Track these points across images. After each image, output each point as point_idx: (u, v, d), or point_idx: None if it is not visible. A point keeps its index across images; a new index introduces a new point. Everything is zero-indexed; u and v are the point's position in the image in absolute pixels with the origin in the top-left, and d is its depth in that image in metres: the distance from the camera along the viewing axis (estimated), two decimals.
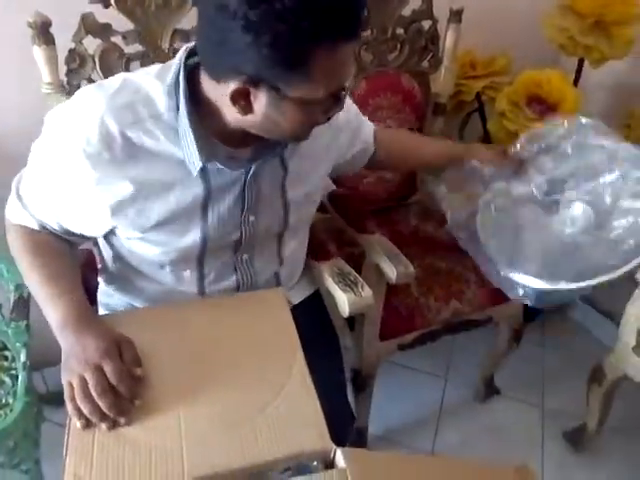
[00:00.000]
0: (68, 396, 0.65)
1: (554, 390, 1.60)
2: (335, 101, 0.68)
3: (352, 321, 1.19)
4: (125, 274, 0.88)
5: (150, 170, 0.71)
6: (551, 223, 0.83)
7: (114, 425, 0.61)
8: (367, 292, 0.94)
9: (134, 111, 0.69)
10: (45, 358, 1.31)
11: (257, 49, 0.58)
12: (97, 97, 0.69)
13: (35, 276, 0.76)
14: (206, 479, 0.57)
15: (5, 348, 1.14)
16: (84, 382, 0.64)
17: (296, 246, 0.94)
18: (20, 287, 1.07)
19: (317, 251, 1.06)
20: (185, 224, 0.77)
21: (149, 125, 0.70)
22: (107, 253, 0.88)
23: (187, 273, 0.84)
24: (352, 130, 0.95)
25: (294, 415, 0.65)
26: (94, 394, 0.63)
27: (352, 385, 1.24)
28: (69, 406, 0.64)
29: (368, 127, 1.01)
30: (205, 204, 0.76)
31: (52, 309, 0.73)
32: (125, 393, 0.64)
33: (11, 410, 0.98)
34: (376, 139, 1.02)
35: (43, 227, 0.79)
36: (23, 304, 1.03)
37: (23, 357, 0.98)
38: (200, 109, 0.70)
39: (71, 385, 0.65)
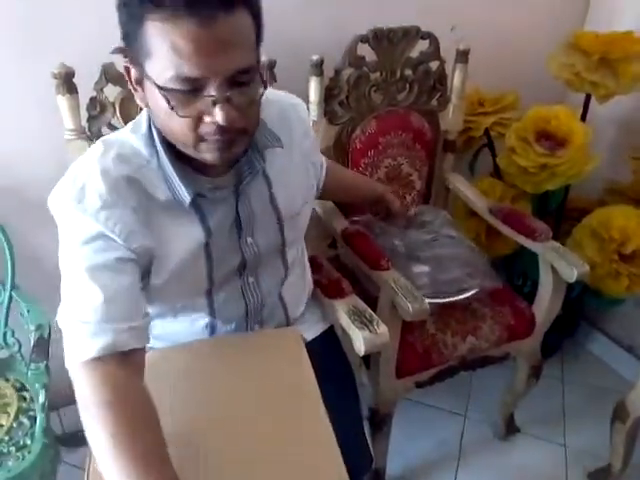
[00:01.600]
0: None
1: (576, 427, 1.56)
2: (210, 105, 0.64)
3: (368, 359, 1.18)
4: None
5: (160, 218, 0.74)
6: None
7: None
8: (383, 329, 0.94)
9: (128, 161, 0.73)
10: (62, 397, 1.31)
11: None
12: (89, 162, 0.72)
13: (117, 465, 0.59)
14: None
15: (24, 388, 1.15)
16: None
17: (294, 258, 0.96)
18: (41, 327, 1.08)
19: (331, 289, 1.07)
20: (192, 269, 0.79)
21: (145, 172, 0.73)
22: None
23: (198, 309, 0.87)
24: (311, 142, 0.95)
25: (312, 460, 0.65)
26: None
27: (369, 424, 1.23)
28: None
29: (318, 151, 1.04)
30: (207, 243, 0.79)
31: None
32: None
33: (29, 452, 0.98)
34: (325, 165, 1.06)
35: (102, 349, 0.65)
36: (43, 345, 1.04)
37: (42, 398, 0.99)
38: (173, 149, 0.73)
39: None
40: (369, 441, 1.03)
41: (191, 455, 0.63)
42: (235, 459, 0.63)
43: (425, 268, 1.23)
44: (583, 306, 1.76)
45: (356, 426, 0.99)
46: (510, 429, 1.52)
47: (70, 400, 1.37)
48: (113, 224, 0.69)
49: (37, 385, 1.00)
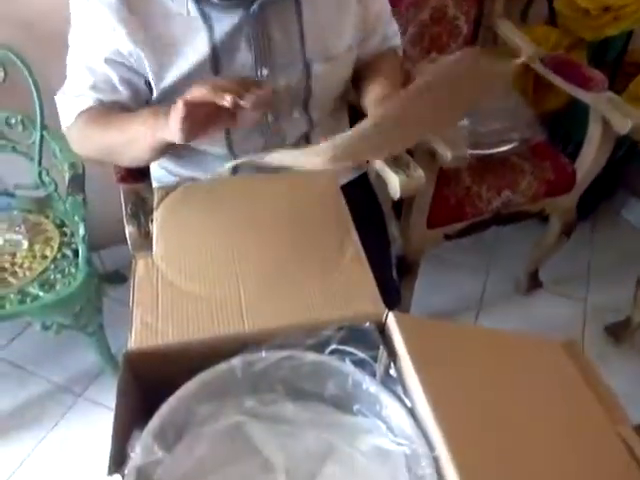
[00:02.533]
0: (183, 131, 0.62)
1: (599, 286, 1.59)
2: None
3: (399, 210, 1.17)
4: None
5: (164, 27, 0.72)
6: None
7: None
8: (419, 173, 0.91)
9: None
10: (100, 240, 1.37)
11: None
12: None
13: (111, 130, 0.74)
14: (263, 333, 0.59)
15: (64, 225, 1.19)
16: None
17: (327, 121, 0.90)
18: (74, 165, 1.09)
19: None
20: None
21: None
22: None
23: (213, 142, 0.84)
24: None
25: (348, 281, 0.66)
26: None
27: (396, 272, 1.26)
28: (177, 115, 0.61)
29: (395, 26, 0.92)
30: (215, 62, 0.74)
31: (137, 119, 0.71)
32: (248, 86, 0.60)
33: (74, 279, 1.04)
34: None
35: (94, 100, 0.78)
36: (78, 180, 1.05)
37: (82, 230, 1.03)
38: None
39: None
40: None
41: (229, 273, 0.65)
42: (270, 276, 0.65)
43: (464, 122, 1.16)
44: (624, 172, 1.70)
45: (387, 269, 1.01)
46: (532, 284, 1.55)
47: (109, 242, 1.44)
48: (119, 20, 0.70)
49: (76, 217, 1.02)
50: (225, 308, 0.60)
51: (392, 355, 0.58)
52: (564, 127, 1.54)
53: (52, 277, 1.05)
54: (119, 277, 1.40)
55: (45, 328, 1.02)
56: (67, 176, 1.09)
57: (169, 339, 0.57)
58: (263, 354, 0.57)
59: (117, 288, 1.40)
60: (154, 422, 0.51)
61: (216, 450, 0.54)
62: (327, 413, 0.58)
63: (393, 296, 1.00)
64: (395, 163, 0.94)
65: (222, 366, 0.56)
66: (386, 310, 0.62)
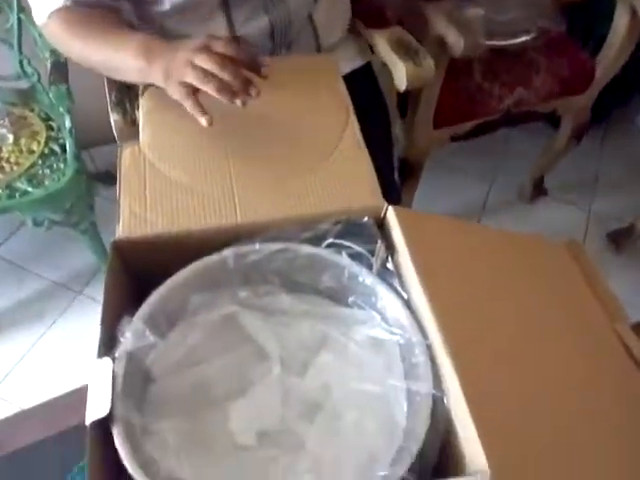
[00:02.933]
0: (184, 95, 0.58)
1: (605, 195, 1.55)
2: None
3: (404, 107, 1.11)
4: None
5: None
6: None
7: (247, 96, 0.58)
8: (429, 62, 0.84)
9: None
10: (91, 138, 1.31)
11: None
12: None
13: (94, 48, 0.66)
14: (257, 225, 0.56)
15: (50, 119, 1.13)
16: (198, 69, 0.57)
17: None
18: (55, 52, 1.01)
19: (372, 18, 0.93)
20: None
21: None
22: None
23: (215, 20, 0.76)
24: None
25: (346, 173, 0.62)
26: (214, 70, 0.56)
27: (398, 175, 1.22)
28: (188, 105, 0.58)
29: None
30: None
31: (125, 52, 0.63)
32: (246, 58, 0.58)
33: (63, 174, 1.00)
34: None
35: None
36: (61, 68, 0.98)
37: (68, 123, 0.97)
38: None
39: (184, 84, 0.58)
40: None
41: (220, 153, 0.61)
42: (265, 167, 0.61)
43: (480, 11, 1.06)
44: None
45: (389, 169, 0.97)
46: (537, 191, 1.52)
47: (100, 141, 1.38)
48: None
49: (61, 109, 0.96)
50: (217, 199, 0.57)
51: (390, 249, 0.56)
52: (586, 19, 1.41)
53: (40, 172, 1.01)
54: (111, 177, 1.35)
55: (37, 224, 1.00)
56: (49, 64, 1.01)
57: (158, 229, 0.55)
58: (257, 246, 0.55)
59: (109, 188, 1.36)
60: (145, 309, 0.49)
61: (210, 339, 0.53)
62: (322, 305, 0.57)
63: (394, 198, 0.97)
64: (403, 50, 0.86)
65: (214, 257, 0.54)
66: (386, 204, 0.59)
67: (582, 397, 0.49)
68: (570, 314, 0.59)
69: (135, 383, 0.47)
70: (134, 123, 0.72)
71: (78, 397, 0.43)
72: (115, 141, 0.86)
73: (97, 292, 1.29)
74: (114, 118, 0.79)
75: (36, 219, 0.99)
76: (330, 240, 0.56)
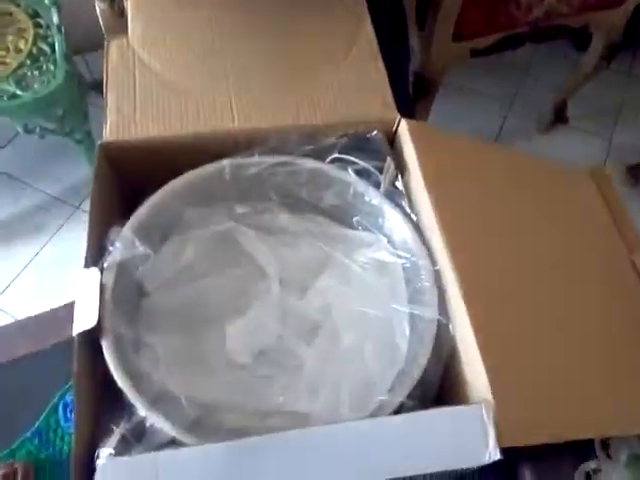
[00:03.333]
0: None
1: (628, 125, 1.47)
2: None
3: (422, 20, 1.01)
4: None
5: None
6: None
7: None
8: None
9: None
10: (84, 41, 1.22)
11: None
12: None
13: None
14: (256, 133, 0.52)
15: (37, 15, 1.04)
16: None
17: None
18: None
19: None
20: None
21: None
22: None
23: None
24: None
25: (358, 83, 0.56)
26: None
27: (412, 91, 1.14)
28: None
29: None
30: None
31: None
32: None
33: (54, 77, 0.94)
34: None
35: None
36: None
37: (56, 18, 0.89)
38: None
39: None
40: None
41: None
42: (266, 65, 0.55)
43: None
44: None
45: (403, 84, 0.90)
46: (557, 119, 1.44)
47: (94, 45, 1.29)
48: None
49: (47, 2, 0.88)
50: (213, 103, 0.52)
51: (400, 167, 0.52)
52: None
53: (29, 74, 0.94)
54: None
55: (28, 131, 0.94)
56: None
57: (149, 133, 0.50)
58: (256, 158, 0.50)
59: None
60: (136, 218, 0.46)
61: (205, 255, 0.50)
62: (324, 224, 0.53)
63: (406, 114, 0.90)
64: None
65: (209, 167, 0.50)
66: (398, 116, 0.54)
67: (595, 323, 0.47)
68: (585, 237, 0.56)
69: (126, 296, 0.45)
70: (122, 13, 0.65)
71: (72, 311, 0.41)
72: None
73: None
74: (100, 7, 0.72)
75: (27, 126, 0.94)
76: (335, 155, 0.52)
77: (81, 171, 1.25)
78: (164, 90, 0.52)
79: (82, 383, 0.38)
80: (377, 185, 0.51)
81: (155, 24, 0.57)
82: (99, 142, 0.48)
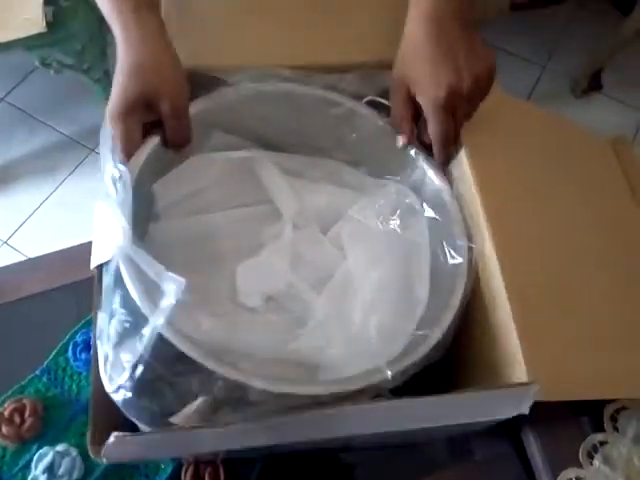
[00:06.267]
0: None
1: None
2: None
3: None
4: None
5: None
6: None
7: None
8: None
9: None
10: None
11: None
12: None
13: None
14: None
15: None
16: None
17: None
18: None
19: None
20: None
21: None
22: None
23: None
24: None
25: (385, 23, 0.52)
26: None
27: None
28: None
29: None
30: None
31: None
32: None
33: (74, 10, 0.90)
34: None
35: None
36: None
37: None
38: None
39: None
40: None
41: None
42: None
43: None
44: None
45: None
46: (592, 85, 1.37)
47: None
48: None
49: None
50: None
51: None
52: None
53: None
54: None
55: (45, 64, 0.92)
56: None
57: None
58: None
59: None
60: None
61: (222, 181, 0.47)
62: (345, 172, 0.51)
63: None
64: None
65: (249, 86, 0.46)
66: None
67: (620, 288, 0.44)
68: (604, 211, 0.53)
69: (138, 218, 0.42)
70: None
71: (87, 250, 0.39)
72: None
73: None
74: None
75: (44, 59, 0.91)
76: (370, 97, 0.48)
77: (98, 112, 1.23)
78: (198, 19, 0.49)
79: None
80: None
81: None
82: None
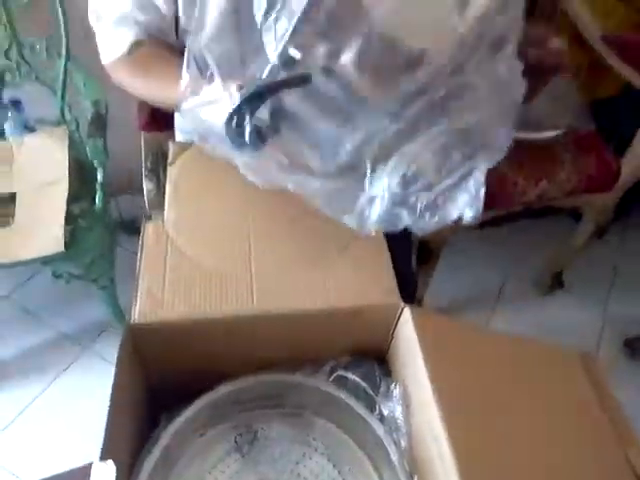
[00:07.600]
0: None
1: (622, 294, 1.52)
2: None
3: None
4: None
5: None
6: None
7: None
8: None
9: None
10: (119, 186, 1.32)
11: None
12: None
13: (156, 90, 0.67)
14: (274, 314, 0.56)
15: (83, 168, 1.15)
16: None
17: None
18: (98, 103, 1.03)
19: None
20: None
21: None
22: None
23: None
24: None
25: (363, 268, 0.62)
26: None
27: (416, 259, 1.21)
28: None
29: None
30: None
31: None
32: None
33: (90, 230, 1.01)
34: None
35: (137, 31, 0.68)
36: (101, 121, 0.99)
37: (100, 177, 0.99)
38: None
39: None
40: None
41: None
42: (283, 253, 0.62)
43: None
44: None
45: (407, 261, 0.96)
46: (554, 284, 1.49)
47: (127, 188, 1.37)
48: None
49: (96, 163, 0.98)
50: (234, 285, 0.57)
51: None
52: (611, 119, 1.44)
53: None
54: (135, 228, 1.36)
55: (56, 276, 1.00)
56: (89, 115, 1.02)
57: (174, 314, 0.54)
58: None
59: (132, 239, 1.37)
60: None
61: None
62: None
63: (409, 290, 0.96)
64: None
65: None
66: (402, 304, 0.58)
67: None
68: (580, 432, 0.57)
69: None
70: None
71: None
72: (142, 191, 0.84)
73: (105, 348, 1.27)
74: (147, 187, 0.81)
75: (55, 271, 0.99)
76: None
77: (96, 313, 1.28)
78: (191, 272, 0.58)
79: None
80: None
81: (188, 208, 0.65)
82: (127, 321, 0.53)
